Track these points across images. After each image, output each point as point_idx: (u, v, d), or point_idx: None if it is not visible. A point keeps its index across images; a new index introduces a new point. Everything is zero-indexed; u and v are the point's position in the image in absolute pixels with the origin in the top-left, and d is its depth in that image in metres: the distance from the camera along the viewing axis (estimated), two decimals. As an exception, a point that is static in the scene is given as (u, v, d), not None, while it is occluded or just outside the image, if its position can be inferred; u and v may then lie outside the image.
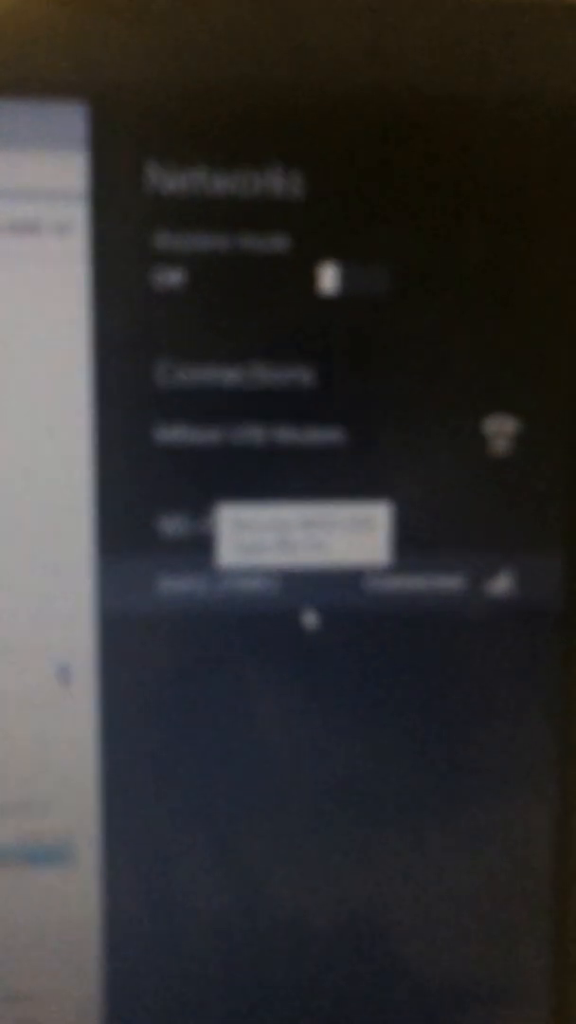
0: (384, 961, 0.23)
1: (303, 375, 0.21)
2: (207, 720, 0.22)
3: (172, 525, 0.21)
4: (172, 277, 0.21)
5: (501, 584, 0.22)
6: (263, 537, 0.21)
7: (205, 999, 0.22)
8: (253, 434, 0.21)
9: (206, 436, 0.21)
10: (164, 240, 0.21)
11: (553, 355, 0.22)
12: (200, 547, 0.21)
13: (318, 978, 0.23)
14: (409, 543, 0.22)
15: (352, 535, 0.22)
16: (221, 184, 0.21)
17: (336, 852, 0.22)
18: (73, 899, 0.22)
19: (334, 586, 0.22)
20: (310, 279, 0.21)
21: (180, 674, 0.22)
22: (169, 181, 0.20)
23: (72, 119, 0.20)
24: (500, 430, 0.22)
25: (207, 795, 0.22)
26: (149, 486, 0.21)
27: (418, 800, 0.22)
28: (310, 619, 0.22)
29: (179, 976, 0.22)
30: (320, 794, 0.22)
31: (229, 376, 0.21)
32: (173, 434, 0.21)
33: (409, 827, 0.22)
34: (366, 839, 0.22)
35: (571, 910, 0.23)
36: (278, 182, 0.21)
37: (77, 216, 0.21)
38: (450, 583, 0.22)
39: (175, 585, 0.21)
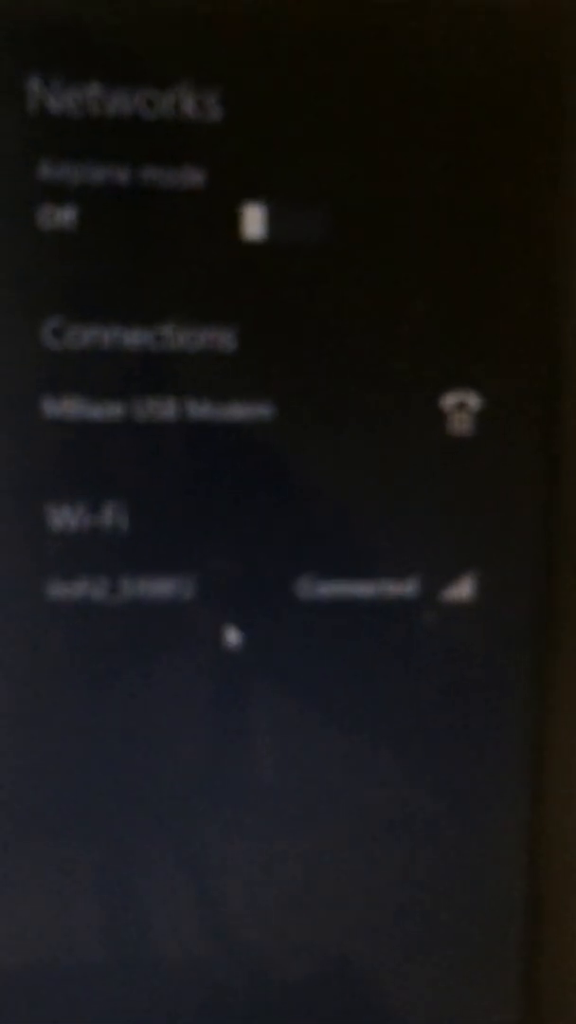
0: (328, 983, 0.19)
1: (223, 338, 0.18)
2: (108, 738, 0.18)
3: (64, 518, 0.18)
4: (62, 215, 0.17)
5: (462, 590, 0.18)
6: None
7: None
8: (162, 409, 0.18)
9: (105, 410, 0.17)
10: (51, 170, 0.17)
11: (522, 318, 0.18)
12: (98, 544, 0.18)
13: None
14: (353, 542, 0.18)
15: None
16: (119, 104, 0.17)
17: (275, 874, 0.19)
18: None
19: (263, 594, 0.18)
20: (231, 222, 0.17)
21: (70, 693, 0.18)
22: (56, 99, 0.17)
23: None
24: (460, 405, 0.18)
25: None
26: (36, 469, 0.18)
27: (378, 824, 0.19)
28: (233, 635, 0.18)
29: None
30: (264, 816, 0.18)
31: (133, 338, 0.17)
32: (64, 407, 0.17)
33: (367, 853, 0.19)
34: (315, 865, 0.19)
35: (542, 937, 0.19)
36: (189, 103, 0.17)
37: (-52, 144, 0.17)
38: (402, 589, 0.18)
39: (68, 591, 0.18)
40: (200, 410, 0.18)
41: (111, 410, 0.18)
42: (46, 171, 0.17)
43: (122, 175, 0.17)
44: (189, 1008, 0.19)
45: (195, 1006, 0.19)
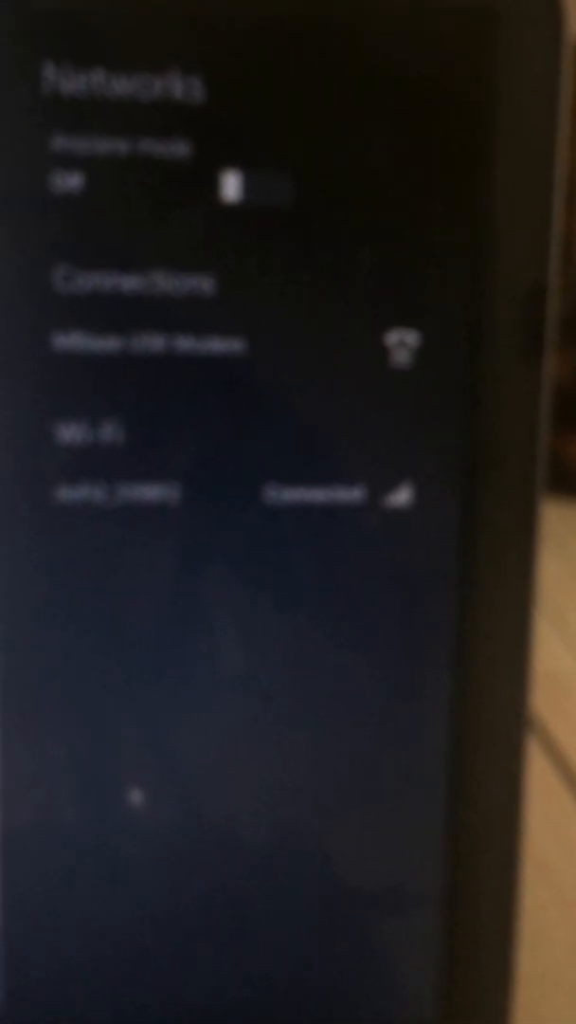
0: (258, 850, 0.23)
1: (204, 284, 0.21)
2: (109, 628, 0.22)
3: (70, 433, 0.21)
4: (71, 181, 0.21)
5: (401, 496, 0.22)
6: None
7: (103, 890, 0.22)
8: (153, 343, 0.21)
9: (106, 343, 0.21)
10: (62, 143, 0.20)
11: (454, 272, 0.22)
12: (98, 455, 0.21)
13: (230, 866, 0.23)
14: (310, 455, 0.22)
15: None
16: (120, 87, 0.20)
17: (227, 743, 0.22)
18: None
19: (237, 498, 0.22)
20: (212, 187, 0.21)
21: (76, 584, 0.21)
22: (67, 82, 0.20)
23: (-30, 20, 0.20)
24: (401, 342, 0.22)
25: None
26: (47, 392, 0.21)
27: (322, 698, 0.22)
28: (210, 533, 0.22)
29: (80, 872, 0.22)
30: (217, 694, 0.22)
31: (129, 283, 0.21)
32: (71, 341, 0.21)
33: (311, 725, 0.22)
34: (250, 740, 0.22)
35: (464, 819, 0.23)
36: (177, 86, 0.20)
37: (-25, 119, 0.20)
38: (350, 495, 0.22)
39: (73, 494, 0.21)
40: (184, 344, 0.21)
41: (110, 343, 0.21)
42: (58, 143, 0.20)
43: (122, 146, 0.21)
44: (151, 867, 0.23)
45: (157, 866, 0.23)
